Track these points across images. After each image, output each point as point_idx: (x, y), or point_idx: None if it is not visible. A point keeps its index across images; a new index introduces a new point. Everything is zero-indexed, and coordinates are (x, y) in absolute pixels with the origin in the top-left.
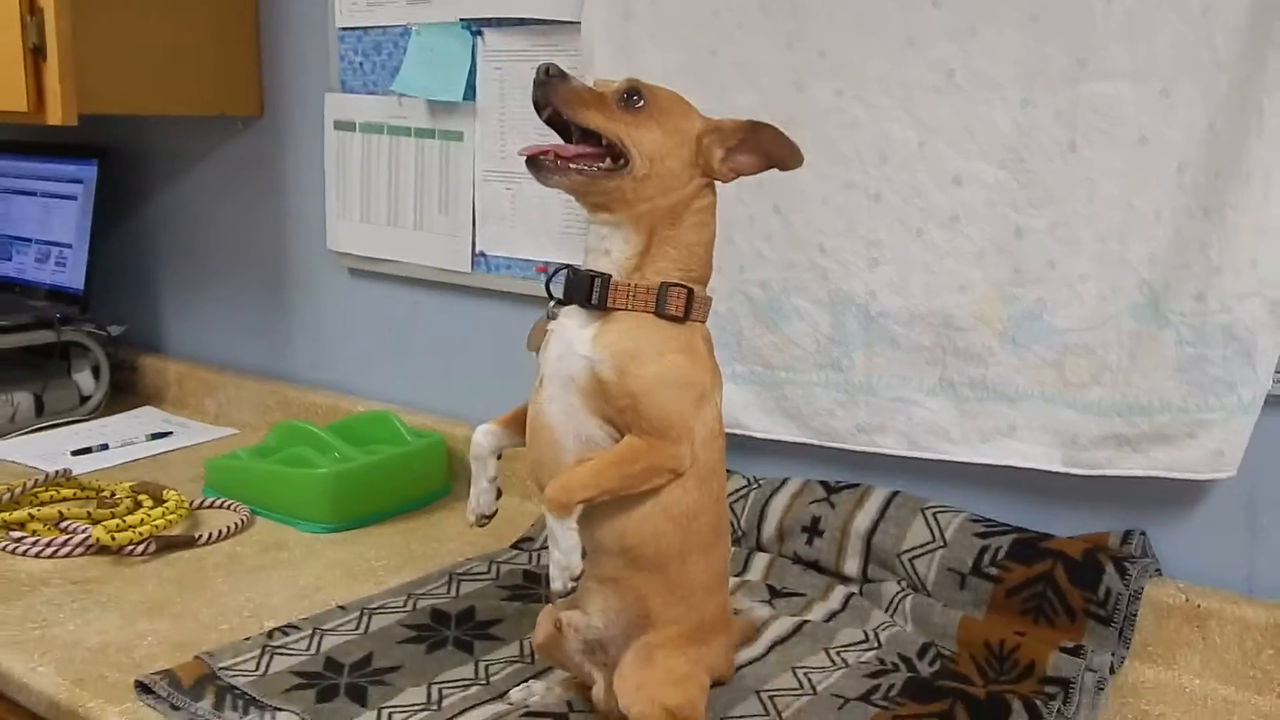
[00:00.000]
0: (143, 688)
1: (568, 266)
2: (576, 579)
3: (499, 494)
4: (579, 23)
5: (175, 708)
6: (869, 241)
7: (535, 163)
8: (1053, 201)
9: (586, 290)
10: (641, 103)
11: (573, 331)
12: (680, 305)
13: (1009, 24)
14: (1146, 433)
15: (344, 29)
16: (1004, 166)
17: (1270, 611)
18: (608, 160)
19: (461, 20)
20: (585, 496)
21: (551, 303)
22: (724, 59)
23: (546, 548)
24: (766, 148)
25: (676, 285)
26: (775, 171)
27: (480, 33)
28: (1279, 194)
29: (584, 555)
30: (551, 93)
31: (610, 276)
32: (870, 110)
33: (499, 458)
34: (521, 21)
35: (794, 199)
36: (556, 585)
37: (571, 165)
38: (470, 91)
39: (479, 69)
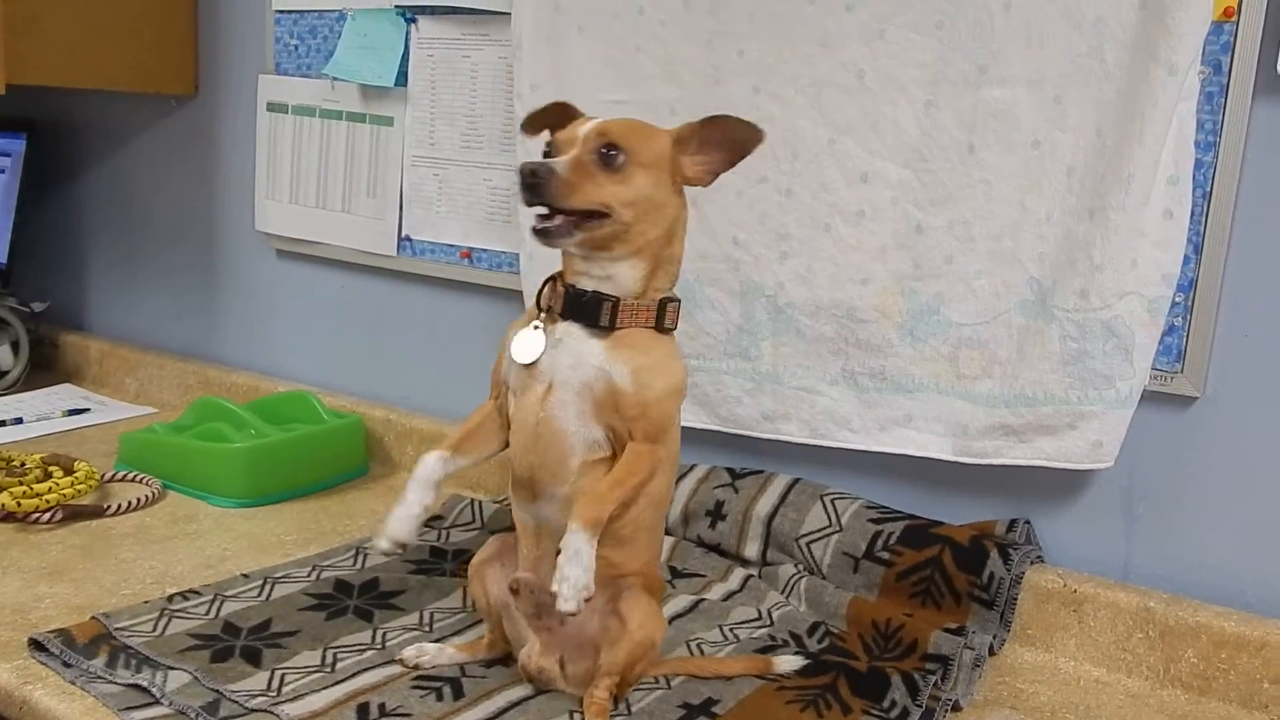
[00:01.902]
0: (36, 645)
1: (554, 278)
2: (589, 599)
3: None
4: (509, 13)
5: (68, 664)
6: (779, 235)
7: (545, 232)
8: (952, 200)
9: (594, 314)
10: (621, 158)
11: (582, 342)
12: (674, 318)
13: (916, 29)
14: (1031, 423)
15: (280, 11)
16: (908, 165)
17: (1141, 596)
18: (596, 219)
19: (396, 7)
20: (612, 511)
21: (541, 314)
22: (647, 54)
23: (455, 526)
24: (724, 138)
25: (670, 300)
26: None
27: (414, 20)
28: (1157, 198)
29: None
30: (544, 194)
31: (618, 300)
32: (785, 108)
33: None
34: (454, 10)
35: (710, 192)
36: (569, 605)
37: (575, 228)
38: (402, 77)
39: (412, 55)
